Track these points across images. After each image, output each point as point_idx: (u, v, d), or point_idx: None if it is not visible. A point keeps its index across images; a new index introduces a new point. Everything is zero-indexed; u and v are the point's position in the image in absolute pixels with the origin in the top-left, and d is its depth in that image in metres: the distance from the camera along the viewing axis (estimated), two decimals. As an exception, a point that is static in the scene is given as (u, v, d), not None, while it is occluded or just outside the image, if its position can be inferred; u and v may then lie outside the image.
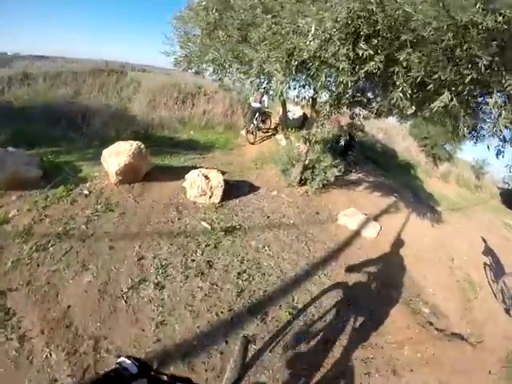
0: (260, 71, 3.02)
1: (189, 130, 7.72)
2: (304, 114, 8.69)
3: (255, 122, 7.48)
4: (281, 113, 7.75)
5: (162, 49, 3.73)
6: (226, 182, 4.33)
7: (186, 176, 4.22)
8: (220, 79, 3.98)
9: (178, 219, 3.67)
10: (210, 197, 4.13)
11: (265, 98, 7.44)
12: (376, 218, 5.25)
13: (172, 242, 3.27)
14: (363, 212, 5.09)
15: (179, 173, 4.41)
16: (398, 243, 4.88)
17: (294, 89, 3.78)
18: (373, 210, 5.49)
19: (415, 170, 10.58)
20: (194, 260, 3.12)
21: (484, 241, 6.24)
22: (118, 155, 3.82)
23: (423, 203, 7.59)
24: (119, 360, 0.89)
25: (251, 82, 3.26)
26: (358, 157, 7.78)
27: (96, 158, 4.22)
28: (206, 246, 3.35)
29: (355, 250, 4.32)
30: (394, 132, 12.13)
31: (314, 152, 5.44)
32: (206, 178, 4.17)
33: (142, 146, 4.11)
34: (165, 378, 0.98)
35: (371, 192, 6.29)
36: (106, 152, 3.92)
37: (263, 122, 8.18)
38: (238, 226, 3.84)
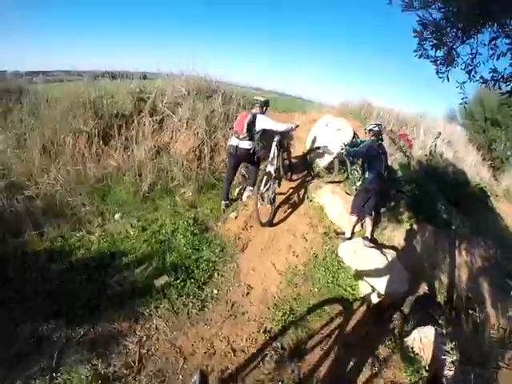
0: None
1: (111, 211, 3.28)
2: (355, 134, 4.75)
3: (272, 164, 3.39)
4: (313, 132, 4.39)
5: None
6: None
7: None
8: None
9: None
10: None
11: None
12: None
13: None
14: None
15: None
16: None
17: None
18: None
19: (489, 198, 7.04)
20: None
21: None
22: None
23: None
24: None
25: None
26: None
27: None
28: None
29: None
30: (453, 138, 8.56)
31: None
32: None
33: None
34: None
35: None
36: None
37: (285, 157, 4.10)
38: None
